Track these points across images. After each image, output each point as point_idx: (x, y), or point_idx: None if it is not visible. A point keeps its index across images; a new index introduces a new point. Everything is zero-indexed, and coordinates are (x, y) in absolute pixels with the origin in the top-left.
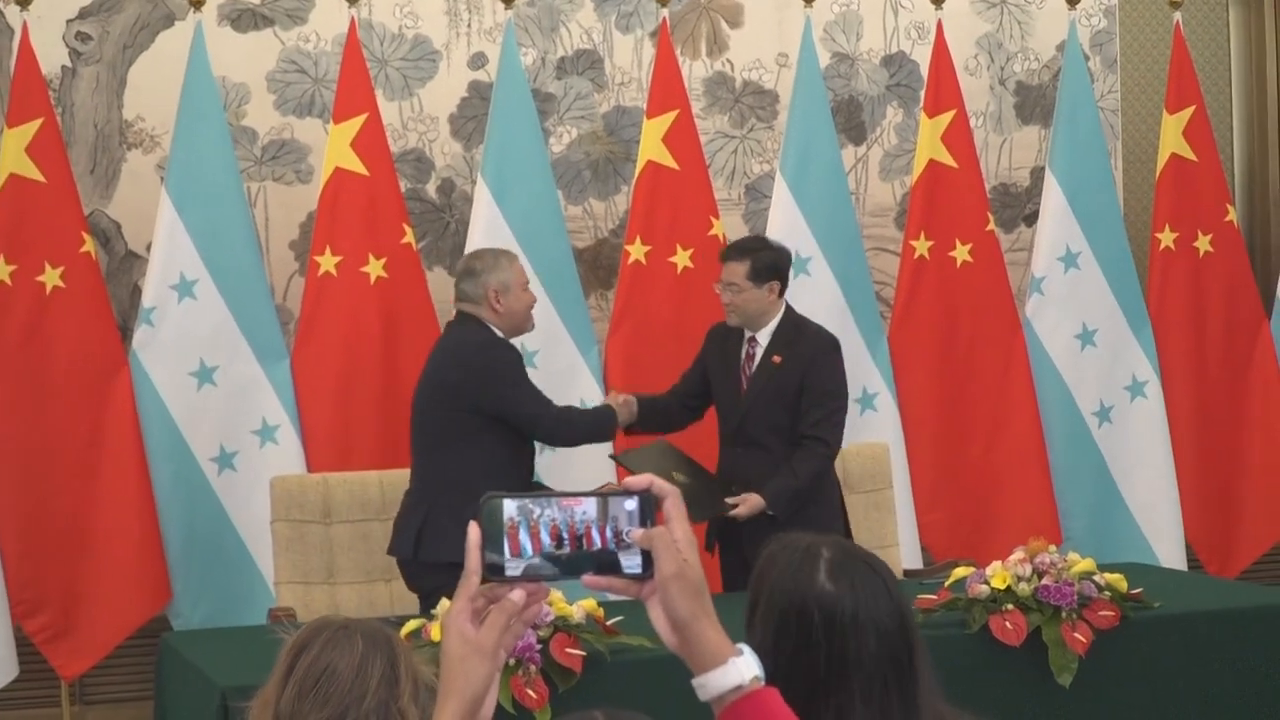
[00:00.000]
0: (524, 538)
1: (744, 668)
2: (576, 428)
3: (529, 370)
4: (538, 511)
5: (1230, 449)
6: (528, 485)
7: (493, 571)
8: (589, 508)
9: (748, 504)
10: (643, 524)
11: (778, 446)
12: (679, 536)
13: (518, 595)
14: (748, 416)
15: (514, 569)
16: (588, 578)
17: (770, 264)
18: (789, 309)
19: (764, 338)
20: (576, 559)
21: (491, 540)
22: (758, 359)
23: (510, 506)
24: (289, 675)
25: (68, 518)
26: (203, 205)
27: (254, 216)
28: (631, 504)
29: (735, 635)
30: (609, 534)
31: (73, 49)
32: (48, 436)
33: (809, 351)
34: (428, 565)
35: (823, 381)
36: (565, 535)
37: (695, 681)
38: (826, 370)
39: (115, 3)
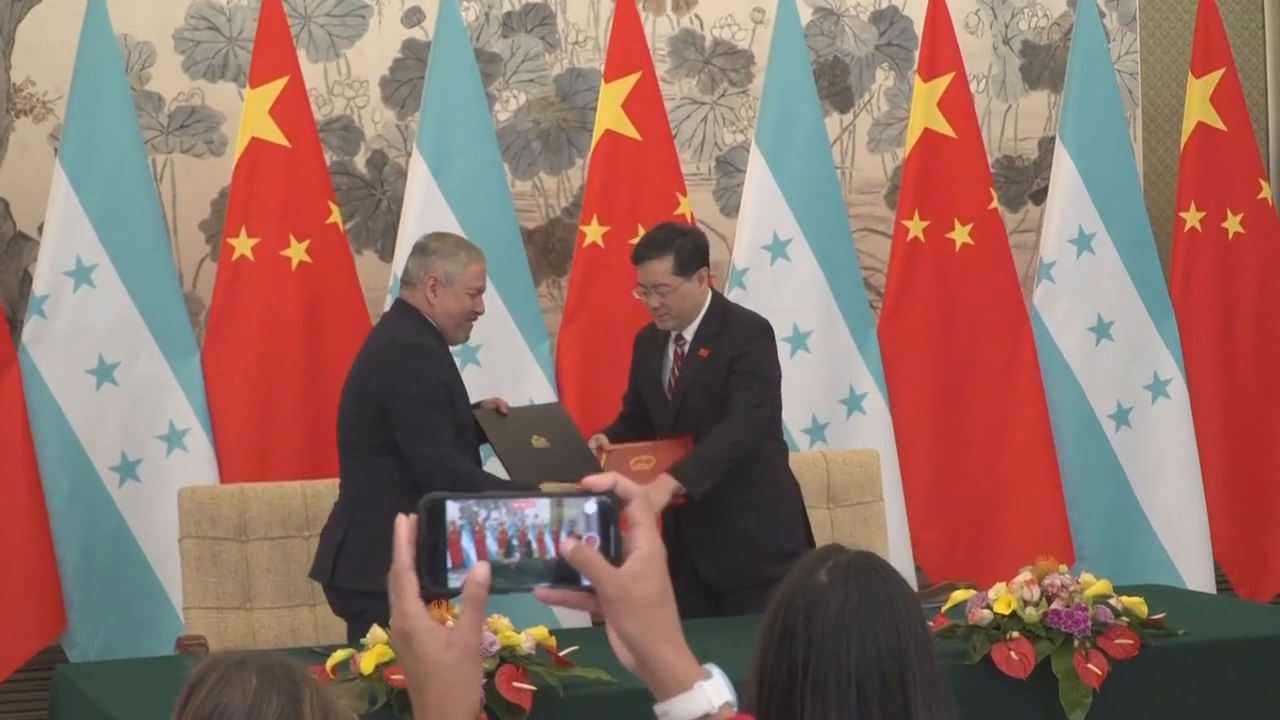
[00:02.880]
0: (467, 544)
1: (712, 693)
2: (454, 485)
3: (471, 370)
4: (483, 515)
5: (1263, 456)
6: None
7: (433, 582)
8: (541, 510)
9: (656, 487)
10: (604, 529)
11: None
12: (642, 545)
13: (482, 574)
14: (677, 420)
15: (456, 580)
16: (541, 590)
17: (694, 250)
18: (716, 295)
19: (690, 333)
20: (528, 568)
21: (432, 547)
22: (686, 355)
23: (453, 509)
24: (181, 716)
25: None
26: (102, 181)
27: (160, 193)
28: (591, 506)
29: (704, 658)
30: (564, 540)
31: None
32: None
33: (735, 339)
34: (346, 591)
35: (752, 365)
36: (515, 541)
37: (658, 709)
38: (756, 355)
39: None
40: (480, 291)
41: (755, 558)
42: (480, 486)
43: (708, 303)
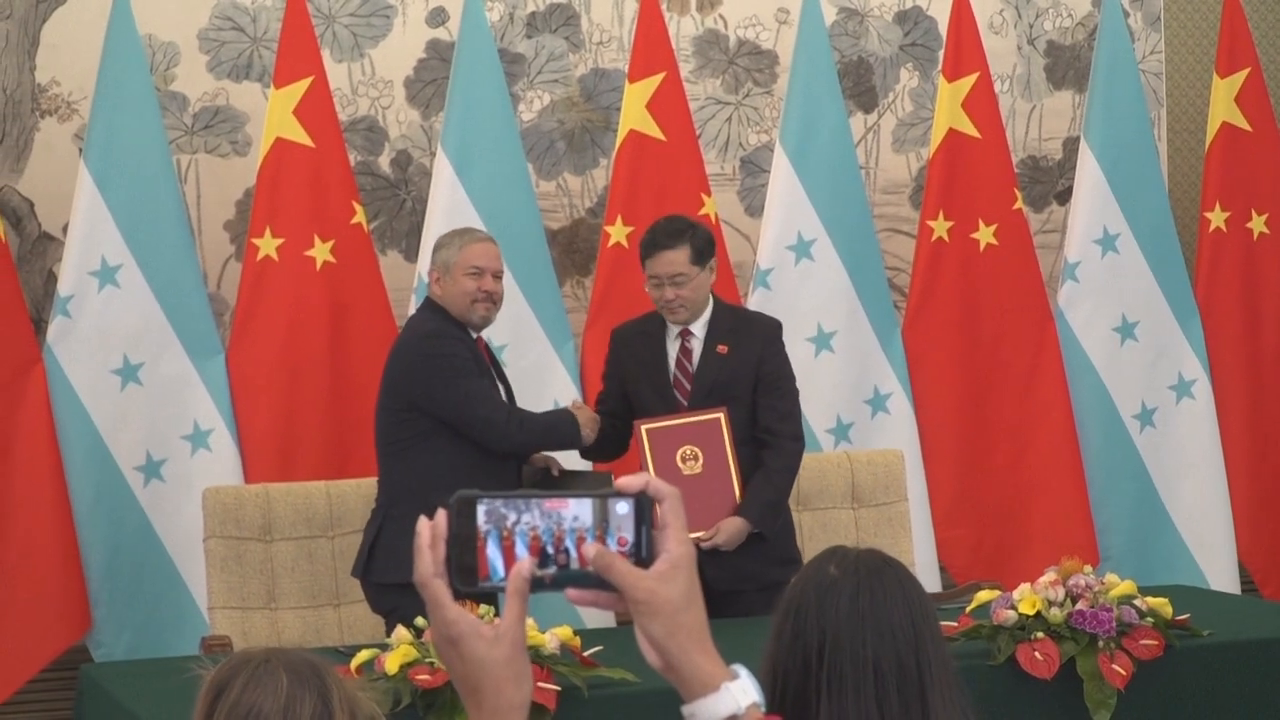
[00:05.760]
0: (492, 553)
1: (739, 693)
2: (530, 432)
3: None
4: (513, 518)
5: None
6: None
7: (464, 583)
8: (582, 512)
9: (725, 531)
10: (637, 530)
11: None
12: (671, 548)
13: (526, 569)
14: None
15: (486, 582)
16: (573, 591)
17: (707, 240)
18: (712, 291)
19: (700, 329)
20: (563, 578)
21: (463, 546)
22: (698, 353)
23: (481, 511)
24: (212, 718)
25: None
26: (127, 181)
27: (184, 194)
28: (624, 508)
29: (730, 658)
30: (609, 544)
31: None
32: None
33: (759, 338)
34: (382, 586)
35: (779, 369)
36: (550, 548)
37: (685, 710)
38: (780, 357)
39: None
40: (481, 271)
41: (762, 561)
42: (554, 428)
43: (711, 297)
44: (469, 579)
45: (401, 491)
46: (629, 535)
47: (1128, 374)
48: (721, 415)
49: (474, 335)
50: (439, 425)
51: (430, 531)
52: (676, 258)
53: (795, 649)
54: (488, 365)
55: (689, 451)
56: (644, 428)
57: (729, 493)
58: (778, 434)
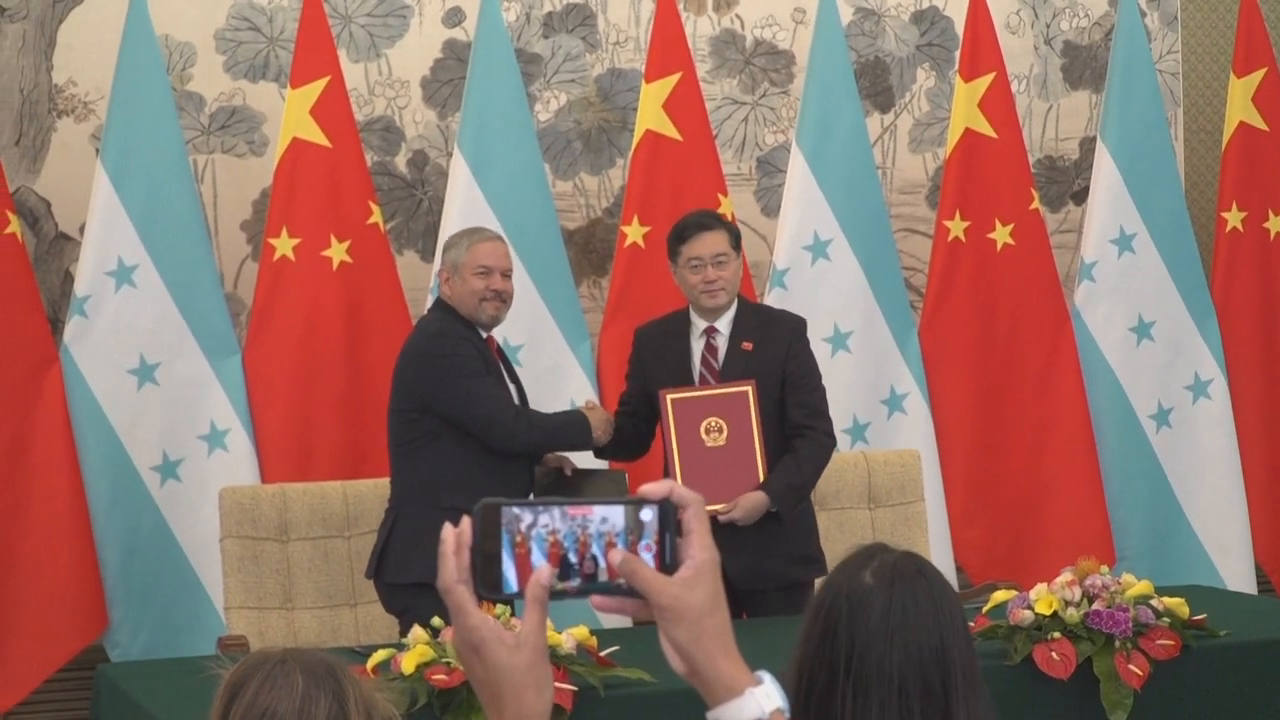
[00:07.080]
0: (506, 565)
1: (763, 699)
2: (539, 432)
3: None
4: (528, 519)
5: None
6: (524, 495)
7: (489, 589)
8: (611, 517)
9: (744, 506)
10: (661, 537)
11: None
12: (695, 554)
13: (545, 576)
14: None
15: (505, 594)
16: (596, 597)
17: (738, 232)
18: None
19: (725, 326)
20: (586, 590)
21: (487, 555)
22: (724, 350)
23: (501, 518)
24: (227, 718)
25: None
26: (143, 181)
27: (201, 194)
28: (648, 514)
29: (754, 663)
30: (641, 551)
31: None
32: None
33: (785, 335)
34: (394, 586)
35: (806, 365)
36: (573, 555)
37: (709, 715)
38: (807, 354)
39: None
40: (490, 270)
41: (784, 561)
42: (563, 428)
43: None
44: (494, 586)
45: (411, 492)
46: (654, 542)
47: (1144, 374)
48: (749, 388)
49: (484, 334)
50: (447, 426)
51: (455, 538)
52: (719, 239)
53: (822, 655)
54: (496, 364)
55: (713, 423)
56: (669, 397)
57: (752, 467)
58: (812, 428)
